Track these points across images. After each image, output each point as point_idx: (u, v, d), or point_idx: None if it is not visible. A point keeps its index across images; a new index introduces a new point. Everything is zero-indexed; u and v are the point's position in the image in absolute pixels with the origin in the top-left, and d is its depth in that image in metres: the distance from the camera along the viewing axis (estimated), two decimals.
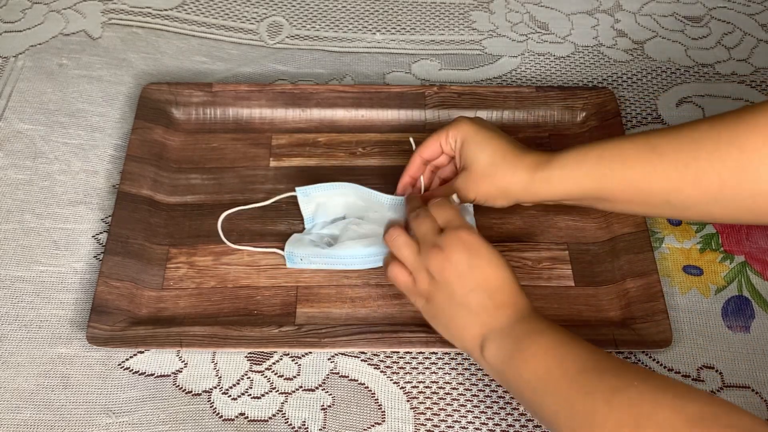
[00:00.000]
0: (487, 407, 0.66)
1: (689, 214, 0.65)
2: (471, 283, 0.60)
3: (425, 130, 0.83)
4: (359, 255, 0.71)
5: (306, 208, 0.74)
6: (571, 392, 0.53)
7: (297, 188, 0.73)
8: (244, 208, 0.76)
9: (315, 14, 0.97)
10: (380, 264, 0.71)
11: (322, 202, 0.74)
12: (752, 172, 0.58)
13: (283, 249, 0.72)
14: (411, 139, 0.77)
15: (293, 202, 0.77)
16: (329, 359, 0.68)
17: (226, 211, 0.76)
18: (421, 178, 0.73)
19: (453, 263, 0.60)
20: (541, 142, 0.82)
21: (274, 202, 0.76)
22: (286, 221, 0.76)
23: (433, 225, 0.63)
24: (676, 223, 0.77)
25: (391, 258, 0.66)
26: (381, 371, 0.68)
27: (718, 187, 0.60)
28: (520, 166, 0.66)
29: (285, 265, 0.72)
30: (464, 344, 0.62)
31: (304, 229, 0.74)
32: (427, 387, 0.67)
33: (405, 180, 0.73)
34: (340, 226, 0.73)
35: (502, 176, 0.67)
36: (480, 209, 0.76)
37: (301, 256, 0.71)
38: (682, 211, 0.65)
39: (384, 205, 0.72)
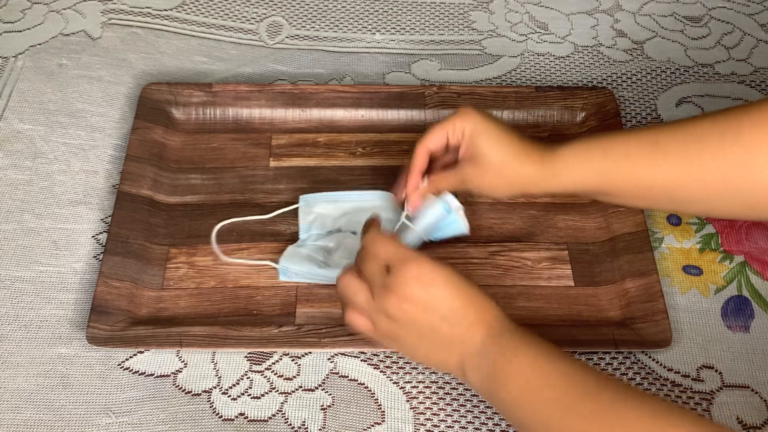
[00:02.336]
0: (487, 407, 0.66)
1: (691, 209, 0.66)
2: (435, 317, 0.58)
3: (425, 131, 0.83)
4: None
5: (304, 218, 0.74)
6: (553, 420, 0.53)
7: (301, 197, 0.74)
8: (244, 219, 0.75)
9: (315, 14, 0.97)
10: None
11: (321, 213, 0.74)
12: (754, 169, 0.59)
13: (277, 261, 0.71)
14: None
15: (294, 202, 0.77)
16: (329, 359, 0.68)
17: (223, 211, 0.76)
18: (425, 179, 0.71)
19: (410, 302, 0.57)
20: (542, 142, 0.82)
21: (276, 215, 0.75)
22: (285, 221, 0.76)
23: (378, 265, 0.59)
24: (675, 222, 0.77)
25: (346, 303, 0.61)
26: (381, 371, 0.68)
27: (721, 184, 0.60)
28: (528, 161, 0.66)
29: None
30: (448, 371, 0.61)
31: (298, 238, 0.74)
32: (427, 387, 0.67)
33: (415, 176, 0.69)
34: (335, 239, 0.73)
35: (511, 170, 0.67)
36: (479, 211, 0.76)
37: (296, 272, 0.71)
38: (683, 206, 0.65)
39: (382, 204, 0.72)
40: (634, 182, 0.64)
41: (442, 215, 0.70)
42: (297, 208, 0.74)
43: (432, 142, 0.69)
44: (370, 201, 0.74)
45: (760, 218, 0.64)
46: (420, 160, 0.69)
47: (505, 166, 0.67)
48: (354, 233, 0.73)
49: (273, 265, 0.71)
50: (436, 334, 0.58)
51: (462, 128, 0.68)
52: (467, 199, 0.76)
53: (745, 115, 0.60)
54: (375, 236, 0.61)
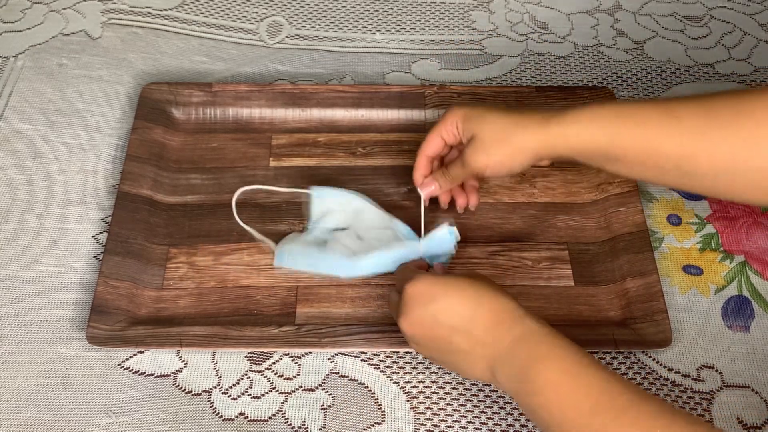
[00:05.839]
0: (487, 407, 0.66)
1: (697, 184, 0.64)
2: (445, 331, 0.58)
3: (425, 130, 0.82)
4: (339, 262, 0.70)
5: (316, 210, 0.74)
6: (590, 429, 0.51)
7: (312, 187, 0.74)
8: (263, 188, 0.74)
9: (315, 14, 0.97)
10: (363, 275, 0.71)
11: (332, 209, 0.73)
12: (765, 146, 0.58)
13: (277, 244, 0.72)
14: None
15: (294, 201, 0.77)
16: (329, 359, 0.68)
17: (223, 211, 0.76)
18: (422, 195, 0.72)
19: (417, 323, 0.59)
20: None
21: (292, 191, 0.75)
22: (285, 221, 0.76)
23: (394, 298, 0.63)
24: (676, 222, 0.77)
25: None
26: (381, 371, 0.68)
27: (730, 157, 0.60)
28: (532, 123, 0.65)
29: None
30: (482, 380, 0.61)
31: (304, 229, 0.74)
32: (427, 387, 0.67)
33: (418, 178, 0.72)
34: (336, 236, 0.72)
35: (515, 135, 0.65)
36: (480, 211, 0.76)
37: (289, 253, 0.71)
38: (690, 180, 0.63)
39: (394, 230, 0.72)
40: (644, 147, 0.63)
41: (448, 240, 0.70)
42: (310, 196, 0.74)
43: (429, 149, 0.71)
44: (378, 212, 0.73)
45: (764, 202, 0.63)
46: (420, 170, 0.72)
47: (508, 134, 0.65)
48: (359, 237, 0.72)
49: (272, 245, 0.72)
50: (455, 347, 0.58)
51: (453, 124, 0.69)
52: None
53: (762, 93, 0.59)
54: (399, 268, 0.67)
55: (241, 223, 0.73)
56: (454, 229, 0.70)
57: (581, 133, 0.64)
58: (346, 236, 0.72)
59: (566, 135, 0.64)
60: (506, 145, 0.66)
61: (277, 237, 0.74)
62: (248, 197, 0.77)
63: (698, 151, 0.61)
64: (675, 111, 0.62)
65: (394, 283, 0.66)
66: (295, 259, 0.71)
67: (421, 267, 0.67)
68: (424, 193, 0.72)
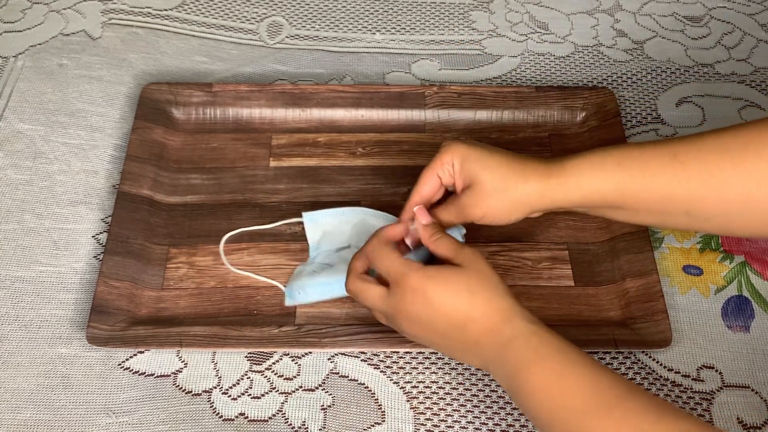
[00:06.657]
0: (487, 407, 0.66)
1: (709, 226, 0.62)
2: (439, 329, 0.58)
3: (425, 131, 0.83)
4: None
5: (312, 236, 0.73)
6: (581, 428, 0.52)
7: (304, 213, 0.73)
8: (247, 230, 0.74)
9: (315, 14, 0.97)
10: None
11: (329, 231, 0.73)
12: None
13: (284, 283, 0.71)
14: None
15: (293, 201, 0.77)
16: (329, 359, 0.68)
17: (223, 211, 0.76)
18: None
19: (411, 320, 0.59)
20: (541, 142, 0.82)
21: (278, 225, 0.75)
22: (284, 220, 0.76)
23: (376, 292, 0.61)
24: None
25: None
26: (381, 371, 0.68)
27: (744, 199, 0.58)
28: (532, 175, 0.62)
29: (285, 264, 0.72)
30: (476, 366, 0.61)
31: (308, 257, 0.73)
32: (427, 387, 0.67)
33: (404, 227, 0.65)
34: (340, 256, 0.72)
35: (515, 187, 0.62)
36: None
37: (299, 289, 0.69)
38: (701, 223, 0.62)
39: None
40: (651, 194, 0.61)
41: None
42: (303, 222, 0.73)
43: (424, 189, 0.66)
44: (377, 216, 0.73)
45: None
46: (409, 210, 0.66)
47: (507, 185, 0.63)
48: None
49: (281, 287, 0.71)
50: (447, 343, 0.60)
51: (450, 162, 0.64)
52: None
53: (764, 128, 0.58)
54: (376, 248, 0.62)
55: (234, 269, 0.72)
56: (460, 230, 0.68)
57: (583, 185, 0.62)
58: (350, 254, 0.71)
59: (567, 188, 0.62)
60: (505, 197, 0.63)
61: (277, 238, 0.74)
62: (248, 198, 0.77)
63: (708, 195, 0.59)
64: (679, 155, 0.60)
65: (367, 256, 0.62)
66: (307, 292, 0.69)
67: (391, 238, 0.63)
68: (410, 242, 0.65)
